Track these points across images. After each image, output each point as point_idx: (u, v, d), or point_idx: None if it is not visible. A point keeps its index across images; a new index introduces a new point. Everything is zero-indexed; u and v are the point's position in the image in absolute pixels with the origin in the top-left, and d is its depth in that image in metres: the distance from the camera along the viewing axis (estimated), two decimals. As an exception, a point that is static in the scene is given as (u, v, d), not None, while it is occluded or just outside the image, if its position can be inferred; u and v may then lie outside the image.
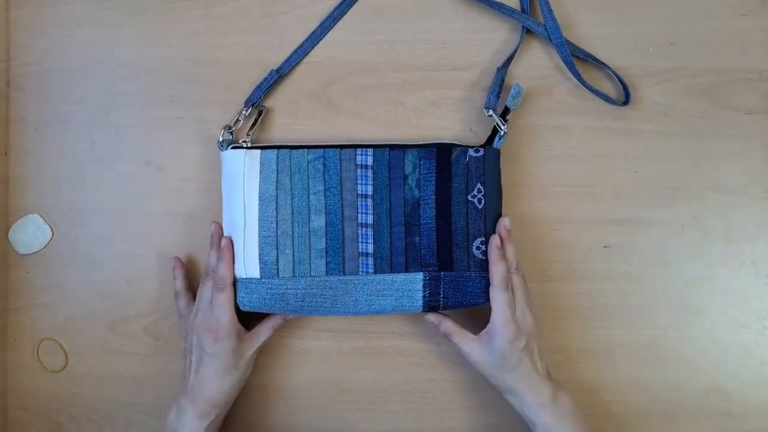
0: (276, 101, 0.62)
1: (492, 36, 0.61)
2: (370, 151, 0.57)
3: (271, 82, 0.60)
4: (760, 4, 0.61)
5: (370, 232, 0.56)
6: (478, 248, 0.56)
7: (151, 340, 0.62)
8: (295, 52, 0.61)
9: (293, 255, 0.56)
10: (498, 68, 0.59)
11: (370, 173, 0.56)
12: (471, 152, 0.56)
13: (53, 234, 0.63)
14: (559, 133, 0.61)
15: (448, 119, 0.61)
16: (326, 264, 0.56)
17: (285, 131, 0.61)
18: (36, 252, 0.63)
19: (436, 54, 0.61)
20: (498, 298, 0.55)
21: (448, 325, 0.57)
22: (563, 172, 0.61)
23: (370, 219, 0.56)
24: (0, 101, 0.63)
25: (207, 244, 0.59)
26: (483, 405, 0.61)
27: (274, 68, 0.60)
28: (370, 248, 0.56)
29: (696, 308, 0.61)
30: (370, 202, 0.56)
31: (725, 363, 0.61)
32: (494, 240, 0.56)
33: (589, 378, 0.61)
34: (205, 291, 0.57)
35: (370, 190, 0.56)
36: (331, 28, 0.61)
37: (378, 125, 0.61)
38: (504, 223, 0.57)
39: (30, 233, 0.63)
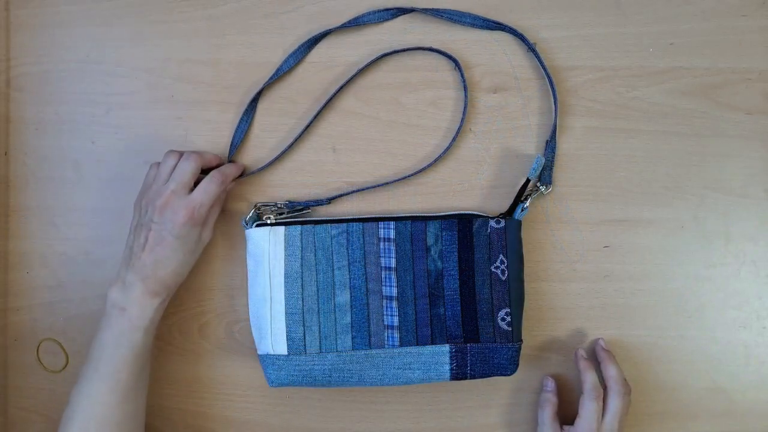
0: (276, 101, 0.62)
1: (492, 36, 0.61)
2: (392, 224, 0.57)
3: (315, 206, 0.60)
4: (760, 4, 0.61)
5: (394, 304, 0.56)
6: (503, 319, 0.56)
7: (151, 340, 0.62)
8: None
9: (319, 331, 0.56)
10: (547, 141, 0.60)
11: (392, 246, 0.57)
12: (492, 223, 0.56)
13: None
14: (560, 133, 0.61)
15: (448, 119, 0.61)
16: (352, 339, 0.56)
17: (285, 131, 0.61)
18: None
19: (436, 54, 0.61)
20: (587, 406, 0.55)
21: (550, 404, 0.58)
22: (564, 172, 0.61)
23: (394, 291, 0.56)
24: (0, 101, 0.63)
25: (206, 248, 0.59)
26: (483, 405, 0.61)
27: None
28: (396, 321, 0.56)
29: (696, 308, 0.61)
30: (393, 274, 0.56)
31: (725, 363, 0.61)
32: (578, 352, 0.58)
33: (589, 378, 0.61)
34: (177, 163, 0.55)
35: (393, 262, 0.56)
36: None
37: (378, 125, 0.61)
38: (600, 343, 0.59)
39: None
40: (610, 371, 0.57)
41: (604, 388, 0.57)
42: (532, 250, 0.61)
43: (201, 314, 0.62)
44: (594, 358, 0.60)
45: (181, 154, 0.57)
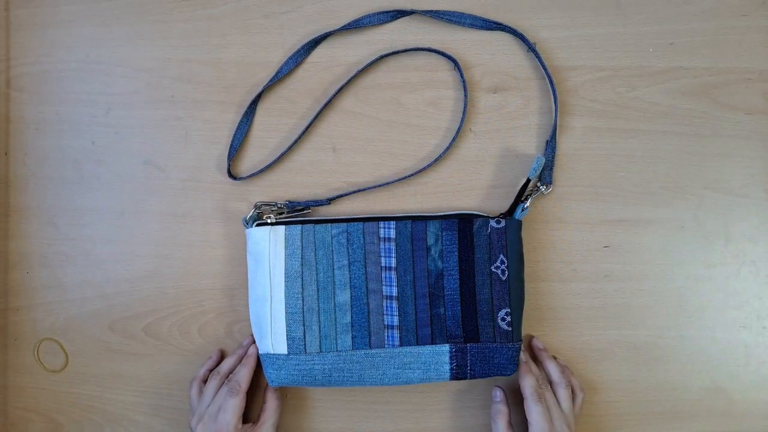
0: (276, 101, 0.62)
1: (492, 36, 0.61)
2: (392, 223, 0.57)
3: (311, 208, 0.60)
4: (760, 4, 0.61)
5: (394, 304, 0.56)
6: (503, 319, 0.56)
7: (151, 340, 0.62)
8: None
9: (319, 330, 0.56)
10: (547, 141, 0.60)
11: (393, 246, 0.57)
12: (492, 223, 0.56)
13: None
14: (560, 133, 0.61)
15: (448, 119, 0.61)
16: (352, 338, 0.56)
17: (285, 131, 0.61)
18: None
19: (436, 54, 0.61)
20: (532, 410, 0.55)
21: (504, 412, 0.58)
22: (564, 172, 0.61)
23: (394, 291, 0.56)
24: (0, 101, 0.63)
25: (206, 248, 0.59)
26: (483, 405, 0.61)
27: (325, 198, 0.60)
28: (396, 321, 0.56)
29: (696, 308, 0.61)
30: (393, 274, 0.56)
31: (725, 363, 0.61)
32: (521, 355, 0.58)
33: (589, 378, 0.61)
34: (215, 394, 0.57)
35: (393, 262, 0.56)
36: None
37: (378, 125, 0.61)
38: (535, 343, 0.60)
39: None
40: (548, 367, 0.58)
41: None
42: (532, 250, 0.61)
43: (201, 314, 0.62)
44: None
45: (221, 380, 0.58)
